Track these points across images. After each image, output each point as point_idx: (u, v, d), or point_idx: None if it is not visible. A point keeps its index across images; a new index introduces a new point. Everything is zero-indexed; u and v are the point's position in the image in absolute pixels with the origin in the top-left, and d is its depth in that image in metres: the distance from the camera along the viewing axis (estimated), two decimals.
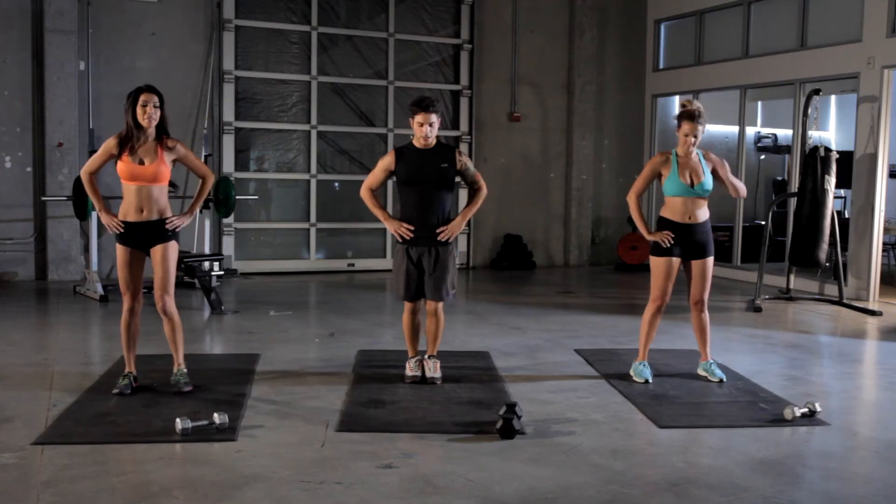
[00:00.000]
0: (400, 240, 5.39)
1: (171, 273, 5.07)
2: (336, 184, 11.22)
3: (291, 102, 10.84)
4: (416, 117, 5.29)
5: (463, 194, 11.11)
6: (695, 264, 5.50)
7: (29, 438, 4.21)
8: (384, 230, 11.17)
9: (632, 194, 5.61)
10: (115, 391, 4.93)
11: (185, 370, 5.14)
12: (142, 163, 4.92)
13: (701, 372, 5.64)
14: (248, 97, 10.62)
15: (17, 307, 8.08)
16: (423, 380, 5.39)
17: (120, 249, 5.04)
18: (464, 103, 11.60)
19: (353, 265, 11.10)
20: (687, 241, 5.44)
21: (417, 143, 5.38)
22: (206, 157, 10.09)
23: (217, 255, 9.62)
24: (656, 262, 5.52)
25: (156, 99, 4.92)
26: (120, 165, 4.94)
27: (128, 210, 4.99)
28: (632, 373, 5.59)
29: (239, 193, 9.58)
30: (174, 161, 5.05)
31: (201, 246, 9.61)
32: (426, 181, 5.33)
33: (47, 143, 9.53)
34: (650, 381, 5.50)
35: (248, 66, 10.58)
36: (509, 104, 11.85)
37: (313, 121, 10.88)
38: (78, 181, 8.54)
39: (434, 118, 5.29)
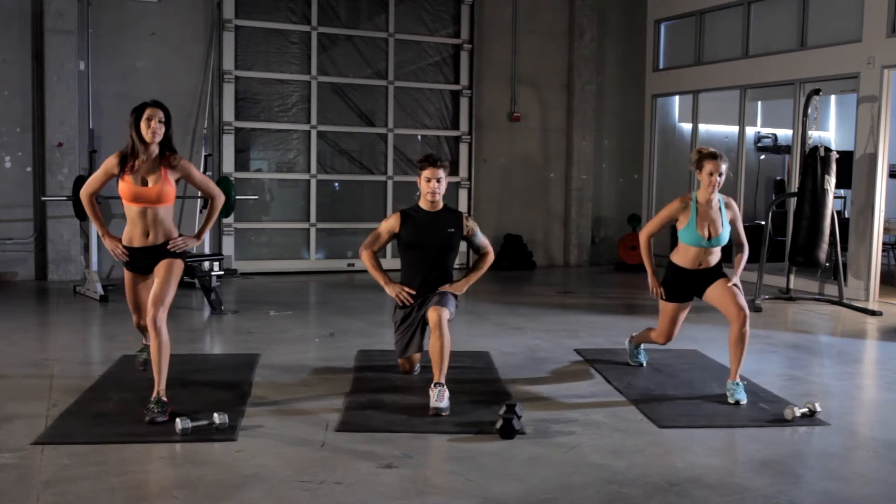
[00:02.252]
0: (400, 304, 5.32)
1: (170, 287, 4.70)
2: (336, 184, 11.22)
3: (291, 102, 10.84)
4: (424, 172, 5.19)
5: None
6: (712, 289, 5.25)
7: (29, 438, 4.21)
8: None
9: (644, 235, 5.46)
10: (147, 419, 4.46)
11: (165, 399, 4.55)
12: (145, 183, 4.67)
13: (728, 393, 5.15)
14: (248, 97, 10.62)
15: (17, 307, 8.08)
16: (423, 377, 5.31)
17: (127, 274, 4.92)
18: (464, 103, 11.60)
19: (353, 265, 11.10)
20: (698, 283, 5.31)
21: (424, 204, 5.29)
22: (206, 157, 10.09)
23: (217, 255, 9.62)
24: (664, 306, 5.46)
25: (161, 114, 4.67)
26: (121, 186, 4.69)
27: (133, 235, 4.76)
28: (628, 348, 6.00)
29: (239, 193, 9.58)
30: (178, 180, 4.79)
31: (201, 246, 9.60)
32: (432, 246, 5.26)
33: (47, 143, 9.53)
34: (644, 363, 5.91)
35: (248, 66, 10.58)
36: (509, 104, 11.85)
37: (313, 121, 10.88)
38: (78, 181, 8.55)
39: (442, 174, 5.19)
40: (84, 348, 6.67)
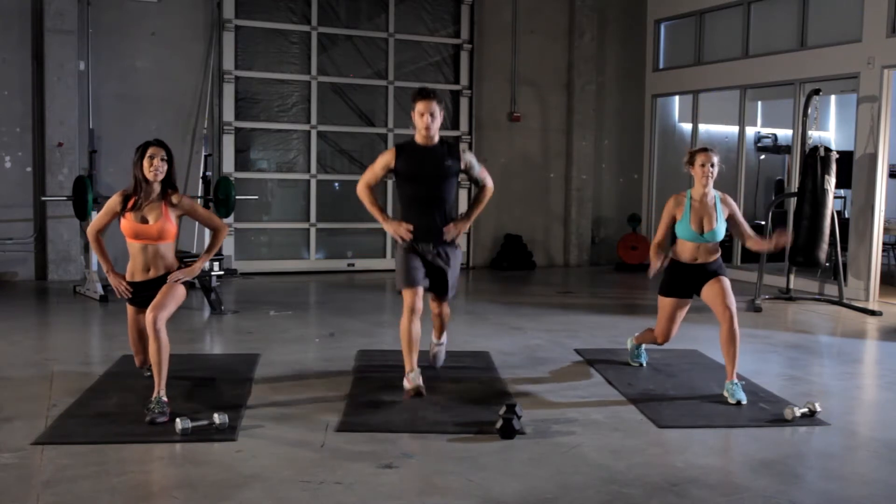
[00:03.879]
0: (400, 241, 5.20)
1: (171, 299, 4.73)
2: (336, 184, 11.22)
3: (291, 102, 10.84)
4: (417, 106, 5.06)
5: (462, 196, 11.14)
6: (708, 286, 5.27)
7: (29, 438, 4.21)
8: (384, 230, 11.15)
9: (655, 246, 5.44)
10: (148, 419, 4.46)
11: (165, 399, 4.57)
12: (146, 221, 4.79)
13: (725, 393, 5.19)
14: (248, 97, 10.62)
15: (17, 307, 8.08)
16: (420, 391, 5.07)
17: (129, 310, 4.98)
18: (464, 103, 11.60)
19: (353, 265, 11.10)
20: (696, 279, 5.32)
21: (419, 138, 5.15)
22: (206, 157, 10.09)
23: (217, 255, 9.61)
24: (663, 302, 5.47)
25: (163, 153, 4.79)
26: (123, 223, 4.81)
27: (135, 270, 4.87)
28: (628, 346, 5.99)
29: (239, 193, 9.58)
30: (180, 216, 4.89)
31: (201, 246, 9.61)
32: (428, 178, 5.12)
33: (47, 143, 9.53)
34: (643, 364, 5.92)
35: (248, 66, 10.58)
36: (509, 104, 11.85)
37: (313, 121, 10.88)
38: (78, 181, 8.55)
39: (435, 107, 5.06)
40: (84, 348, 6.67)
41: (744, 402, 5.03)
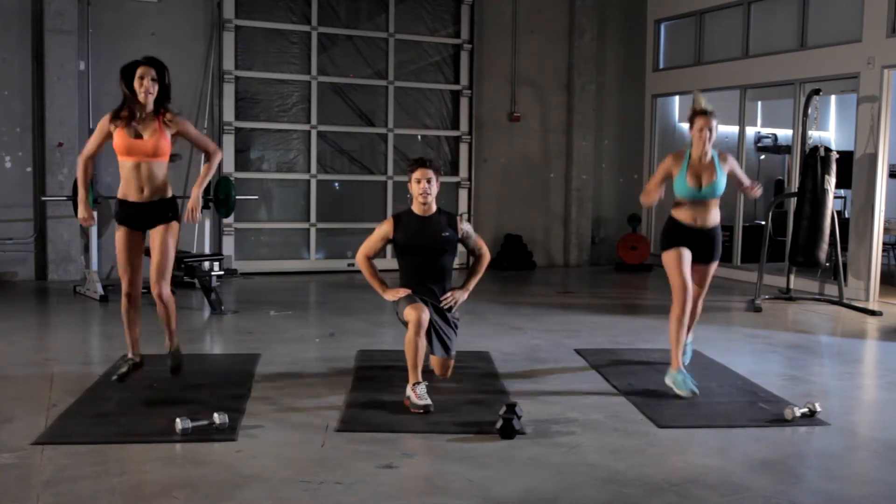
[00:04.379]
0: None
1: (170, 258, 4.80)
2: (336, 184, 11.22)
3: (291, 102, 10.84)
4: (414, 174, 5.13)
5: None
6: (697, 268, 5.39)
7: (29, 438, 4.21)
8: None
9: (645, 196, 5.45)
10: (114, 378, 4.72)
11: (180, 350, 5.10)
12: (139, 136, 4.66)
13: (670, 382, 5.27)
14: (248, 97, 10.62)
15: (17, 307, 8.08)
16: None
17: (119, 230, 4.82)
18: (464, 103, 11.60)
19: (353, 265, 11.08)
20: (695, 244, 5.32)
21: (416, 208, 5.23)
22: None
23: (217, 255, 9.61)
24: (667, 256, 5.35)
25: (153, 72, 4.65)
26: (116, 139, 4.68)
27: (127, 190, 4.76)
28: (671, 384, 5.22)
29: (239, 193, 9.58)
30: (174, 135, 4.79)
31: (201, 246, 9.61)
32: (427, 249, 5.20)
33: (47, 143, 9.53)
34: (696, 391, 5.13)
35: (248, 66, 10.58)
36: (509, 104, 11.85)
37: (313, 121, 10.88)
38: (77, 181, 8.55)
39: (432, 175, 5.12)
40: (84, 348, 6.68)
41: (686, 362, 5.19)
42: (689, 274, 5.29)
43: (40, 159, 9.60)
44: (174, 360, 5.06)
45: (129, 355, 5.00)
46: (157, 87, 4.68)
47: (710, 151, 5.30)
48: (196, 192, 4.96)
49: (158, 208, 4.80)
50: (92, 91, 9.78)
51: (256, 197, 10.63)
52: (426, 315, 4.99)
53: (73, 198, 8.48)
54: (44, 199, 9.31)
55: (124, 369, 4.87)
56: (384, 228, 5.29)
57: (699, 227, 5.32)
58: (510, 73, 11.81)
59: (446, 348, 5.28)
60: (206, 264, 8.60)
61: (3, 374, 5.53)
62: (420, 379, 4.87)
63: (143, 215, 4.77)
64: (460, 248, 5.46)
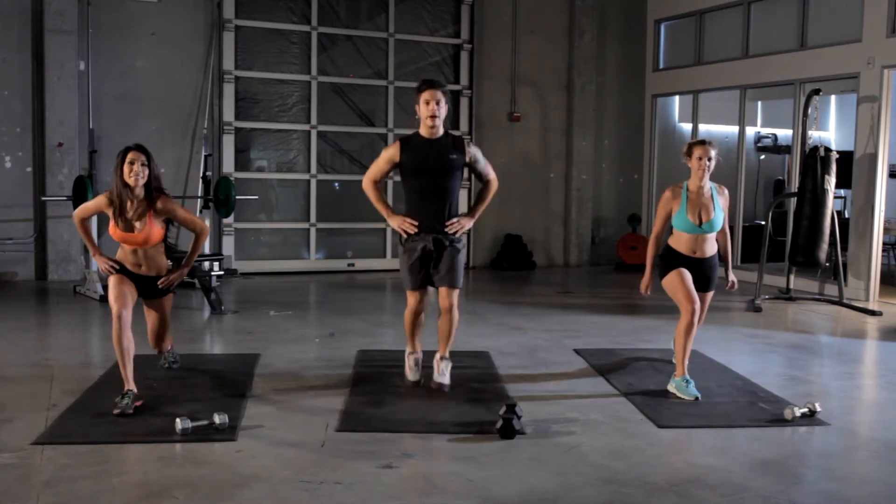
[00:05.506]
0: (404, 235, 5.13)
1: (168, 322, 5.28)
2: (336, 184, 11.22)
3: (291, 102, 10.84)
4: (423, 95, 5.03)
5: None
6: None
7: (29, 438, 4.21)
8: (384, 230, 11.18)
9: (651, 239, 5.51)
10: (116, 412, 4.56)
11: (174, 350, 5.48)
12: (131, 229, 4.88)
13: (673, 389, 5.29)
14: (248, 97, 10.62)
15: (17, 307, 8.08)
16: (425, 384, 5.20)
17: (113, 276, 4.95)
18: (464, 103, 11.60)
19: (353, 265, 11.10)
20: (692, 272, 5.32)
21: (424, 131, 5.11)
22: (206, 157, 10.10)
23: (217, 255, 9.62)
24: (669, 279, 5.34)
25: (143, 157, 4.83)
26: (111, 227, 4.93)
27: (125, 261, 5.00)
28: (674, 389, 5.22)
29: (239, 193, 9.58)
30: (165, 220, 4.99)
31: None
32: (433, 172, 5.06)
33: (47, 143, 9.53)
34: (699, 397, 5.13)
35: (248, 66, 10.58)
36: (509, 104, 11.85)
37: (313, 121, 10.88)
38: (78, 181, 8.56)
39: (441, 96, 5.03)
40: (84, 348, 6.68)
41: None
42: (693, 288, 5.28)
43: (40, 159, 9.60)
44: (169, 357, 5.56)
45: (127, 387, 4.79)
46: (146, 172, 4.85)
47: (708, 184, 5.30)
48: (184, 270, 5.15)
49: (155, 282, 5.05)
50: (92, 91, 9.78)
51: (256, 197, 10.63)
52: (423, 304, 5.18)
53: (74, 198, 8.49)
54: (44, 199, 9.32)
55: (126, 402, 4.66)
56: (391, 152, 5.16)
57: (697, 258, 5.34)
58: (510, 73, 11.81)
59: (453, 280, 5.09)
60: (206, 264, 8.60)
61: (3, 374, 5.53)
62: (415, 349, 5.23)
63: (139, 283, 5.00)
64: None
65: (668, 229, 5.46)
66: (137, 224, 4.89)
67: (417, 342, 5.34)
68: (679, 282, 5.30)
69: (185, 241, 9.94)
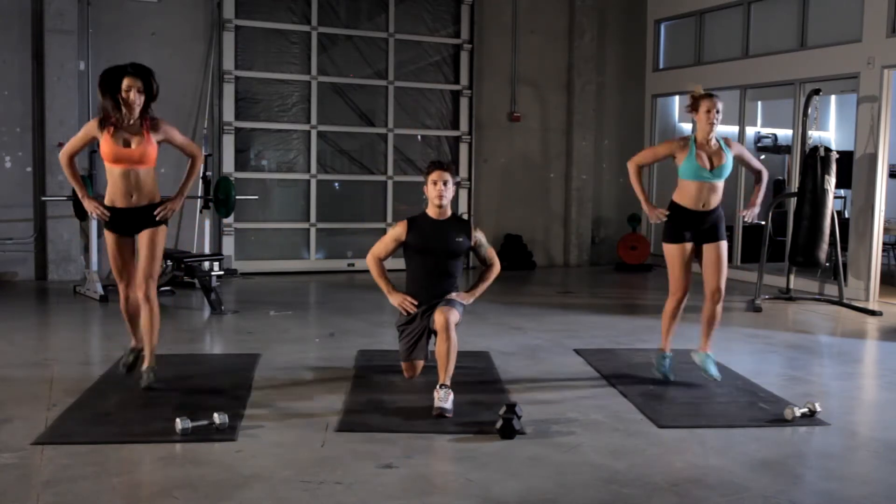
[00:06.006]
0: (404, 313, 5.28)
1: (158, 258, 4.87)
2: (336, 184, 11.22)
3: (291, 102, 10.84)
4: (431, 175, 5.15)
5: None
6: (707, 249, 5.31)
7: (29, 438, 4.21)
8: (384, 230, 11.18)
9: (633, 162, 5.43)
10: (122, 367, 4.71)
11: (156, 367, 4.93)
12: (127, 144, 4.67)
13: (696, 360, 5.46)
14: (248, 97, 10.62)
15: (17, 307, 8.08)
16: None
17: (108, 236, 4.88)
18: (464, 103, 11.59)
19: (353, 265, 11.09)
20: (698, 227, 5.31)
21: (432, 211, 5.25)
22: (206, 156, 10.07)
23: (217, 255, 9.62)
24: (669, 250, 5.37)
25: (140, 83, 4.66)
26: (103, 146, 4.68)
27: (115, 196, 4.79)
28: (654, 363, 5.56)
29: (239, 193, 9.58)
30: (161, 142, 4.82)
31: (201, 246, 9.61)
32: (438, 254, 5.21)
33: (47, 143, 9.53)
34: (670, 377, 5.41)
35: (248, 65, 10.58)
36: (509, 104, 11.85)
37: (313, 121, 10.88)
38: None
39: (449, 178, 5.14)
40: (84, 348, 6.67)
41: (717, 377, 5.19)
42: (688, 278, 5.32)
43: (40, 159, 9.59)
44: (148, 377, 4.90)
45: (133, 344, 5.05)
46: (143, 99, 4.69)
47: (716, 136, 5.27)
48: (180, 195, 5.01)
49: (147, 213, 4.84)
50: (92, 91, 9.75)
51: (256, 197, 10.62)
52: (417, 371, 5.41)
53: (74, 198, 8.48)
54: (44, 199, 9.31)
55: (131, 358, 4.91)
56: (397, 231, 5.29)
57: (703, 210, 5.29)
58: (510, 73, 11.81)
59: (449, 301, 5.08)
60: (206, 264, 8.61)
61: (3, 374, 5.53)
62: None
63: (131, 220, 4.81)
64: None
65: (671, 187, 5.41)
66: (133, 141, 4.67)
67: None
68: (677, 261, 5.31)
69: (184, 243, 9.96)
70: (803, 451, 4.43)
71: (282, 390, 5.21)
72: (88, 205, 4.86)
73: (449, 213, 5.29)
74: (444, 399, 4.70)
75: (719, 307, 5.35)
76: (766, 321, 7.99)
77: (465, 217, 5.92)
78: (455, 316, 4.99)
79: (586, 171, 12.19)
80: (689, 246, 5.35)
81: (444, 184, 5.15)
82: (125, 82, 4.65)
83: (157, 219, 4.84)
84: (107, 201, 4.83)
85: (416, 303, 5.23)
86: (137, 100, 4.66)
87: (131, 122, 4.72)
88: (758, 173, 5.52)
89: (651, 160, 5.52)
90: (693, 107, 5.28)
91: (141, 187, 4.78)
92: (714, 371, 5.36)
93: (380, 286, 5.34)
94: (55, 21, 9.45)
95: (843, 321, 8.24)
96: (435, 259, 5.24)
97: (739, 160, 5.43)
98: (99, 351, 6.57)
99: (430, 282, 5.26)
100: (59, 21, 9.47)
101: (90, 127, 4.76)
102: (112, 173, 4.76)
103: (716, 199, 5.31)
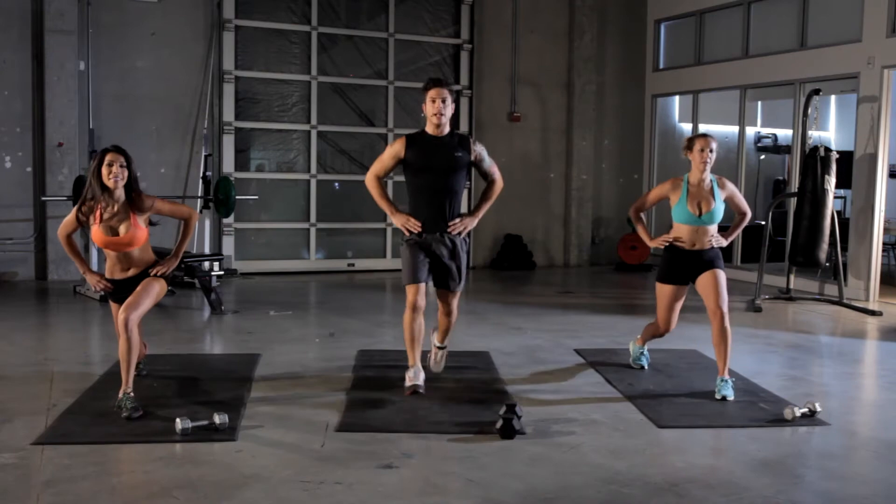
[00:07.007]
0: (407, 234, 5.12)
1: (149, 295, 4.77)
2: (336, 184, 11.22)
3: (291, 102, 10.84)
4: (429, 93, 5.02)
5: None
6: (702, 277, 5.30)
7: (29, 438, 4.21)
8: (384, 230, 11.19)
9: (633, 209, 5.66)
10: (125, 415, 4.51)
11: (132, 394, 4.62)
12: (115, 233, 4.75)
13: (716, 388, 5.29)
14: (248, 97, 10.62)
15: (17, 307, 8.08)
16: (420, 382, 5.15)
17: (113, 305, 4.95)
18: (464, 103, 11.59)
19: (353, 265, 11.10)
20: (693, 266, 5.35)
21: (430, 128, 5.10)
22: (206, 157, 10.09)
23: (217, 255, 9.62)
24: (661, 290, 5.48)
25: (122, 159, 4.70)
26: (94, 234, 4.77)
27: (113, 269, 4.89)
28: (630, 350, 5.90)
29: (239, 193, 9.58)
30: (148, 219, 4.87)
31: (201, 246, 9.61)
32: (438, 169, 5.05)
33: (47, 143, 9.53)
34: (645, 366, 5.82)
35: (248, 66, 10.58)
36: (509, 104, 11.85)
37: (313, 121, 10.88)
38: (77, 181, 8.55)
39: (447, 94, 5.02)
40: (84, 348, 6.67)
41: (730, 397, 5.12)
42: (674, 318, 5.54)
43: (40, 159, 9.60)
44: (128, 404, 4.57)
45: (129, 391, 4.69)
46: (126, 174, 4.72)
47: (709, 177, 5.33)
48: (174, 259, 4.98)
49: (144, 275, 4.90)
50: (92, 91, 9.78)
51: (256, 197, 10.63)
52: (422, 300, 5.03)
53: (74, 198, 8.48)
54: (44, 199, 9.31)
55: (132, 406, 4.59)
56: (396, 147, 5.14)
57: (698, 251, 5.35)
58: (510, 73, 11.81)
59: (453, 284, 5.15)
60: (206, 264, 8.61)
61: (3, 374, 5.53)
62: (415, 362, 5.09)
63: (131, 287, 4.85)
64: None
65: (667, 225, 5.52)
66: (122, 227, 4.76)
67: (418, 354, 5.15)
68: (666, 301, 5.49)
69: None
70: (803, 451, 4.43)
71: (282, 390, 5.21)
72: (91, 279, 4.94)
73: (447, 129, 5.13)
74: (439, 362, 5.44)
75: (726, 325, 5.16)
76: (766, 321, 7.99)
77: (464, 133, 5.81)
78: (458, 297, 5.30)
79: (586, 171, 12.19)
80: (681, 288, 5.45)
81: (443, 101, 5.02)
82: (107, 157, 4.71)
83: (154, 275, 4.88)
84: (106, 274, 4.95)
85: (419, 222, 5.06)
86: (120, 174, 4.68)
87: (115, 204, 4.74)
88: (742, 215, 5.55)
89: (648, 205, 5.65)
90: (688, 146, 5.38)
91: (136, 262, 4.89)
92: (729, 393, 5.16)
93: (381, 206, 5.20)
94: (55, 21, 9.45)
95: (843, 321, 8.24)
96: (435, 176, 5.07)
97: (729, 201, 5.45)
98: (99, 351, 6.56)
99: (432, 200, 5.09)
100: (59, 21, 9.47)
101: (72, 214, 4.84)
102: (108, 254, 4.89)
103: (709, 241, 5.33)
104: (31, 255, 9.70)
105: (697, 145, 5.29)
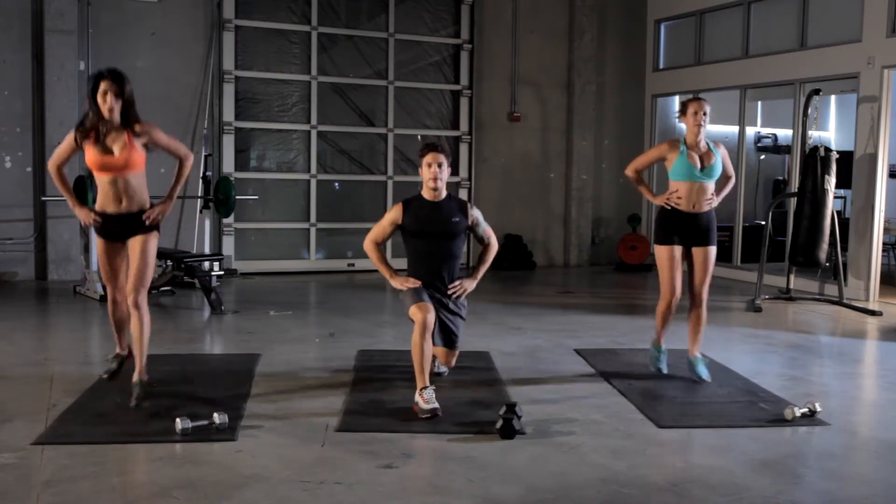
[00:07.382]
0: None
1: (149, 266, 4.74)
2: (336, 184, 11.21)
3: (291, 102, 10.84)
4: (425, 158, 5.08)
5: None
6: (696, 252, 5.43)
7: (29, 438, 4.21)
8: None
9: (629, 169, 5.69)
10: (104, 375, 4.68)
11: (146, 379, 4.73)
12: (110, 152, 4.60)
13: (689, 367, 5.57)
14: (248, 97, 10.62)
15: (17, 307, 8.07)
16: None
17: (99, 242, 4.83)
18: (464, 103, 11.60)
19: (353, 265, 11.09)
20: (689, 230, 5.40)
21: (427, 193, 5.18)
22: (206, 157, 10.09)
23: (217, 255, 9.62)
24: (659, 252, 5.47)
25: (115, 87, 4.56)
26: (87, 156, 4.61)
27: (105, 202, 4.72)
28: (649, 356, 5.73)
29: (239, 193, 9.58)
30: (146, 145, 4.72)
31: (201, 246, 9.61)
32: (436, 235, 5.13)
33: (47, 143, 9.52)
34: (663, 371, 5.62)
35: (248, 66, 10.58)
36: (509, 104, 11.85)
37: (313, 121, 10.88)
38: (77, 181, 8.55)
39: (443, 159, 5.08)
40: (84, 348, 6.67)
41: (706, 379, 5.29)
42: (679, 280, 5.42)
43: (40, 159, 9.59)
44: (139, 392, 4.71)
45: (117, 351, 5.03)
46: (119, 103, 4.60)
47: (705, 139, 5.41)
48: (170, 199, 4.88)
49: (137, 219, 4.76)
50: None
51: (256, 197, 10.62)
52: (432, 316, 4.88)
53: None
54: (44, 199, 9.32)
55: (114, 365, 4.91)
56: (393, 214, 5.22)
57: (695, 212, 5.38)
58: (510, 73, 11.81)
59: (451, 341, 5.26)
60: (206, 264, 8.61)
61: (3, 374, 5.53)
62: (427, 383, 4.78)
63: (121, 226, 4.74)
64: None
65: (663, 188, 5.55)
66: (116, 147, 4.59)
67: (428, 375, 4.92)
68: (667, 262, 5.43)
69: (184, 243, 9.96)
70: (803, 451, 4.43)
71: (282, 390, 5.21)
72: (80, 213, 4.82)
73: (444, 193, 5.18)
74: (439, 366, 5.40)
75: (702, 310, 5.47)
76: (766, 321, 7.99)
77: (462, 198, 5.83)
78: (456, 355, 5.39)
79: (586, 171, 12.18)
80: (678, 248, 5.45)
81: (439, 166, 5.07)
82: (101, 85, 4.58)
83: (147, 223, 4.75)
84: (97, 207, 4.77)
85: (418, 283, 5.10)
86: (113, 103, 4.56)
87: (112, 127, 4.63)
88: (728, 178, 5.62)
89: (645, 164, 5.69)
90: (682, 111, 5.45)
91: (130, 193, 4.71)
92: (703, 373, 5.45)
93: (380, 271, 5.23)
94: (55, 21, 9.45)
95: (843, 321, 8.24)
96: (433, 241, 5.15)
97: (723, 160, 5.53)
98: (99, 351, 6.56)
99: (431, 263, 5.16)
100: (59, 21, 9.47)
101: (70, 137, 4.71)
102: (101, 181, 4.72)
103: (707, 203, 5.39)
104: (31, 255, 9.70)
105: (691, 108, 5.37)
